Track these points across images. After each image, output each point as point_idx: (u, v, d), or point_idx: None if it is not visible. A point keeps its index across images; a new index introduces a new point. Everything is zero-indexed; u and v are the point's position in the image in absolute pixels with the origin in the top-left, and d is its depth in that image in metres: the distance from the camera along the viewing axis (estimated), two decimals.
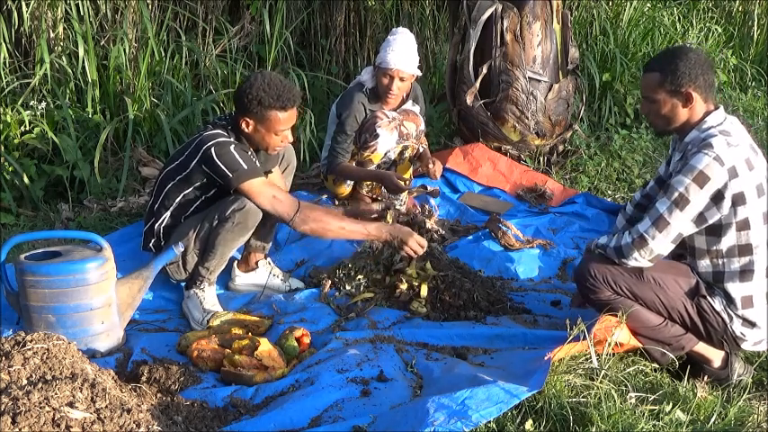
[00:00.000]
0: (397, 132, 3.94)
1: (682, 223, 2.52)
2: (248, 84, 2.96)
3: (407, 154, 4.08)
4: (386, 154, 3.99)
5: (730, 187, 2.48)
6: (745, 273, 2.59)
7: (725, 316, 2.62)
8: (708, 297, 2.63)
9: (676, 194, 2.51)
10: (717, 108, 2.63)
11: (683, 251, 2.71)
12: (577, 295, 2.95)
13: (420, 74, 4.10)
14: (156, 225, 3.13)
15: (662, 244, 2.55)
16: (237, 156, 2.91)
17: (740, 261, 2.58)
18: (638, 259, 2.58)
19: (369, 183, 4.09)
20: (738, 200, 2.50)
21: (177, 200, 3.08)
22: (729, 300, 2.62)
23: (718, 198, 2.49)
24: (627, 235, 2.60)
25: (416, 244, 3.05)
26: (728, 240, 2.56)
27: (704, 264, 2.64)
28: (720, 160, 2.47)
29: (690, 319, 2.64)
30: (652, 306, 2.64)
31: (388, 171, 4.01)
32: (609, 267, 2.63)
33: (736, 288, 2.60)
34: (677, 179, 2.52)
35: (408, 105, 4.16)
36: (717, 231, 2.57)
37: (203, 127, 3.15)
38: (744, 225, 2.54)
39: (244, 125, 3.00)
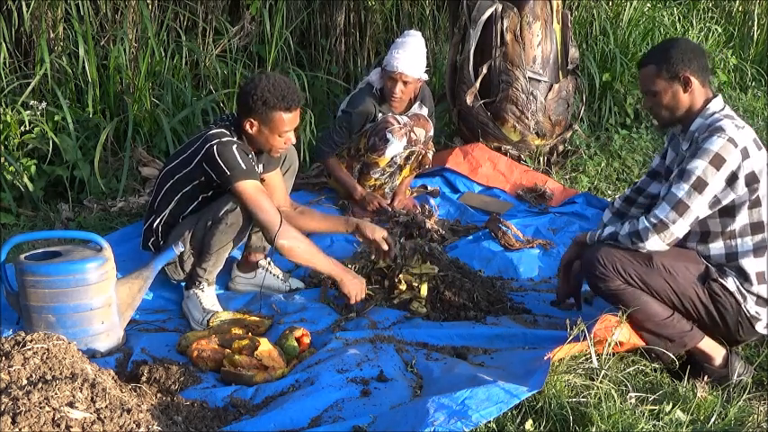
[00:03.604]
0: (406, 139, 3.96)
1: (700, 206, 2.56)
2: (252, 85, 2.97)
3: (413, 159, 4.10)
4: (392, 158, 4.00)
5: (743, 168, 2.54)
6: (759, 250, 2.63)
7: (738, 296, 2.63)
8: (719, 279, 2.63)
9: (694, 178, 2.53)
10: (715, 96, 2.69)
11: (684, 242, 2.72)
12: (563, 292, 2.97)
13: (427, 78, 4.12)
14: (155, 223, 3.13)
15: (681, 227, 2.58)
16: (238, 156, 2.91)
17: (753, 239, 2.63)
18: (658, 243, 2.59)
19: (372, 183, 4.11)
20: (752, 179, 2.56)
21: (176, 198, 3.08)
22: (744, 277, 2.63)
23: (732, 179, 2.54)
24: (643, 220, 2.60)
25: (355, 294, 3.04)
26: (741, 219, 2.61)
27: (717, 246, 2.66)
28: (734, 142, 2.53)
29: (702, 304, 2.64)
30: (663, 294, 2.63)
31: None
32: (618, 256, 2.62)
33: (750, 264, 2.63)
34: (693, 164, 2.55)
35: (416, 107, 4.18)
36: (731, 212, 2.61)
37: (206, 127, 3.15)
38: (756, 203, 2.60)
39: (248, 126, 3.01)
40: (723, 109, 2.66)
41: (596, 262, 2.63)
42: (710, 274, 2.64)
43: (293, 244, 2.93)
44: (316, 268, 3.12)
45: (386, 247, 3.21)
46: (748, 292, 2.63)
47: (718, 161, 2.52)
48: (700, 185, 2.53)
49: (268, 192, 3.17)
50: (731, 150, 2.52)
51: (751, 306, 2.64)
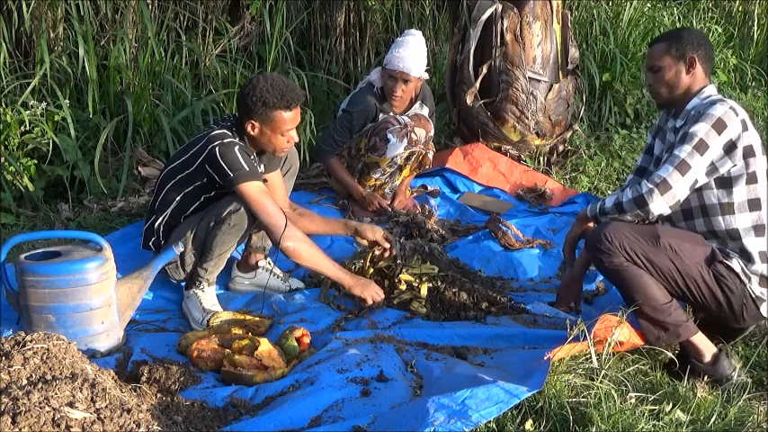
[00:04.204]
0: (407, 139, 3.96)
1: (699, 168, 2.61)
2: (251, 86, 2.96)
3: (413, 159, 4.10)
4: (393, 159, 4.00)
5: (742, 139, 2.62)
6: (758, 227, 2.68)
7: (743, 277, 2.65)
8: (725, 261, 2.66)
9: (696, 140, 2.61)
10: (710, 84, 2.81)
11: (690, 219, 2.75)
12: (563, 296, 2.98)
13: (427, 77, 4.12)
14: (156, 224, 3.13)
15: (682, 188, 2.61)
16: (240, 157, 2.91)
17: (751, 217, 2.67)
18: (661, 204, 2.61)
19: (372, 183, 4.11)
20: (749, 152, 2.64)
21: (178, 198, 3.08)
22: (747, 257, 2.66)
23: (730, 148, 2.62)
24: (645, 183, 2.63)
25: (375, 294, 3.07)
26: (739, 194, 2.66)
27: (717, 221, 2.69)
28: (735, 111, 2.65)
29: (707, 286, 2.65)
30: (668, 273, 2.63)
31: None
32: (626, 233, 2.63)
33: (752, 243, 2.67)
34: (695, 127, 2.63)
35: (417, 107, 4.18)
36: (728, 183, 2.66)
37: (208, 127, 3.13)
38: (752, 178, 2.66)
39: (249, 128, 3.00)
40: (716, 94, 2.77)
41: (603, 237, 2.63)
42: (716, 256, 2.66)
43: (298, 246, 2.93)
44: (321, 272, 3.11)
45: (387, 245, 3.23)
46: (752, 272, 2.66)
47: (720, 125, 2.61)
48: (701, 147, 2.60)
49: (275, 189, 3.19)
50: (732, 117, 2.62)
51: (755, 287, 2.66)
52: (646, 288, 2.62)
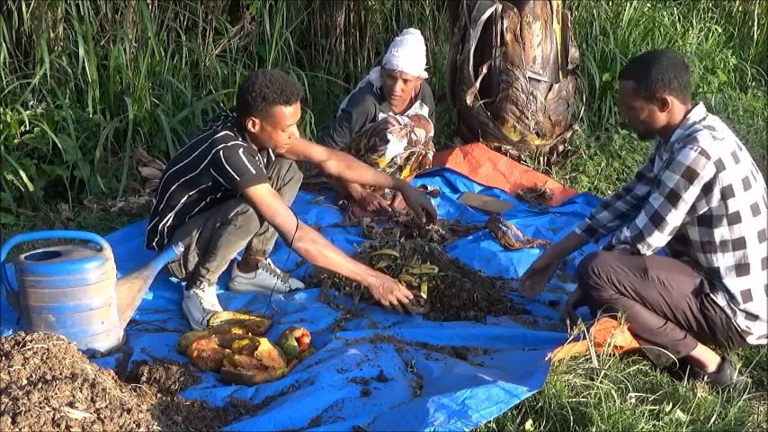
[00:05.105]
0: (406, 140, 3.95)
1: (675, 218, 2.59)
2: (250, 83, 2.95)
3: (413, 159, 4.09)
4: (392, 159, 4.00)
5: (719, 180, 2.53)
6: (741, 266, 2.61)
7: (728, 311, 2.63)
8: (711, 294, 2.64)
9: (668, 191, 2.57)
10: (696, 105, 2.67)
11: (684, 248, 2.73)
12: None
13: (426, 76, 4.12)
14: (161, 225, 3.12)
15: (659, 238, 2.64)
16: (245, 159, 2.90)
17: (734, 256, 2.61)
18: (641, 250, 2.67)
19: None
20: (727, 192, 2.55)
21: (182, 200, 3.07)
22: (730, 295, 2.63)
23: (707, 189, 2.54)
24: (625, 231, 2.69)
25: (401, 296, 3.02)
26: (720, 233, 2.60)
27: (701, 258, 2.67)
28: (706, 154, 2.52)
29: (694, 317, 2.65)
30: (656, 306, 2.64)
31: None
32: (613, 266, 2.63)
33: (733, 283, 2.62)
34: (667, 175, 2.57)
35: (416, 106, 4.18)
36: (708, 222, 2.60)
37: (210, 127, 3.08)
38: (735, 218, 2.58)
39: (250, 125, 2.99)
40: (704, 118, 2.64)
41: (591, 272, 2.64)
42: (704, 288, 2.65)
43: (311, 247, 2.91)
44: (337, 272, 3.07)
45: (425, 220, 3.44)
46: (737, 308, 2.63)
47: (689, 174, 2.52)
48: (673, 198, 2.56)
49: (300, 148, 3.31)
50: (703, 163, 2.51)
51: (741, 321, 2.63)
52: (638, 317, 2.63)
